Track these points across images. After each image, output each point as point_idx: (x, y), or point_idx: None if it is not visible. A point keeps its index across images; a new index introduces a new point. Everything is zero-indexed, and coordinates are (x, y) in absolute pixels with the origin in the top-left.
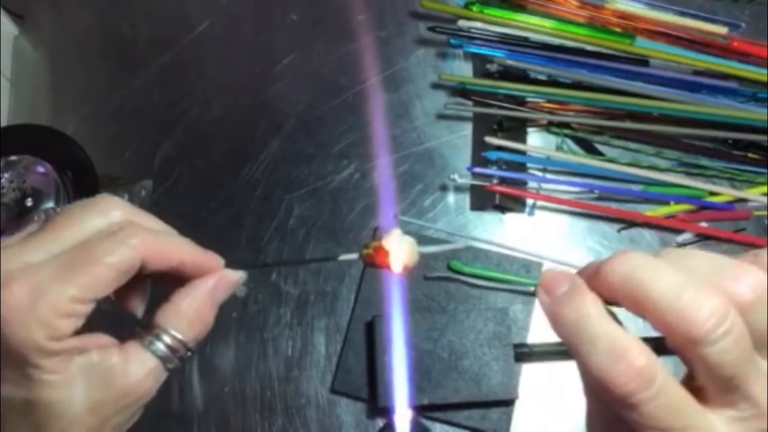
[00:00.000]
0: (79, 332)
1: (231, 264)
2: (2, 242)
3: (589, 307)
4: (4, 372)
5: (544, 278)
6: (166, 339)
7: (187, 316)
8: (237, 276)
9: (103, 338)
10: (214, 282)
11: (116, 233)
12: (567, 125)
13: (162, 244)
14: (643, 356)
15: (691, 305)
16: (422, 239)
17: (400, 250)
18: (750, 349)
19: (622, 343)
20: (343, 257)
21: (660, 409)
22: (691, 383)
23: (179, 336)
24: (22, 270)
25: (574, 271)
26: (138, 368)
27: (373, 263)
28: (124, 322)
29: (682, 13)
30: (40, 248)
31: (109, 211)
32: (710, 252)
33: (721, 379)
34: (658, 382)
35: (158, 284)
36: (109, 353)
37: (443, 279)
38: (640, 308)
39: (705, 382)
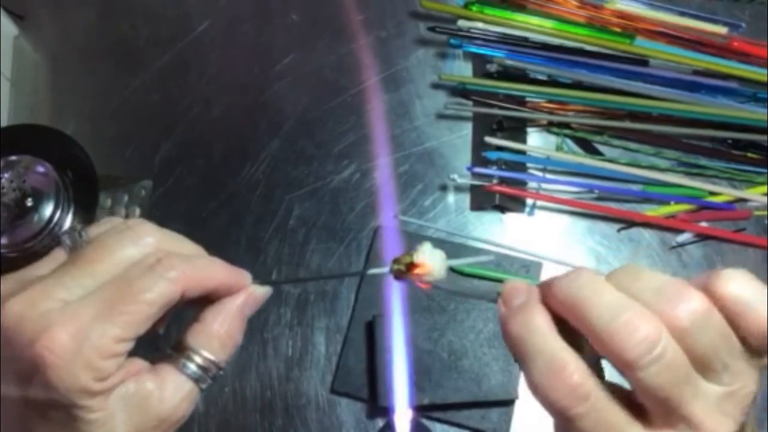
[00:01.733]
0: None
1: (257, 278)
2: (30, 273)
3: (536, 321)
4: (49, 414)
5: (504, 289)
6: (199, 360)
7: (219, 337)
8: (264, 291)
9: (136, 363)
10: (243, 300)
11: (155, 267)
12: (567, 125)
13: (199, 271)
14: (577, 374)
15: (624, 329)
16: (450, 252)
17: (431, 264)
18: (686, 372)
19: (559, 360)
20: (373, 271)
21: (595, 425)
22: (636, 401)
23: (212, 357)
24: (61, 311)
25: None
26: (173, 392)
27: (404, 277)
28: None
29: (682, 13)
30: (74, 284)
31: (142, 239)
32: (659, 273)
33: (656, 401)
34: (591, 399)
35: (185, 304)
36: (143, 380)
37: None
38: (581, 327)
39: (644, 402)
